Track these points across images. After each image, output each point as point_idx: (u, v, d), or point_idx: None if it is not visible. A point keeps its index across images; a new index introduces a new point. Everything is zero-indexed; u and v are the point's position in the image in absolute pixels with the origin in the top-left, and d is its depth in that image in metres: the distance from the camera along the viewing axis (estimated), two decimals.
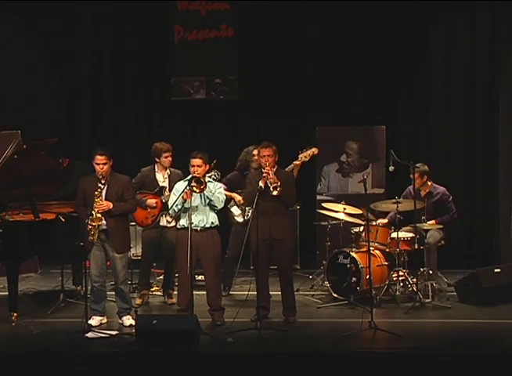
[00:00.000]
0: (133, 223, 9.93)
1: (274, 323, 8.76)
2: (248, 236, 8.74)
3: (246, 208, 9.77)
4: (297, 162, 9.52)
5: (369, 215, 9.49)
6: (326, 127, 11.95)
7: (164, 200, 9.58)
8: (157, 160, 9.75)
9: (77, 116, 12.51)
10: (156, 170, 9.78)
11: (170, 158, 9.70)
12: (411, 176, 9.96)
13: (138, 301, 9.70)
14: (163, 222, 9.71)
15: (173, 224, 9.59)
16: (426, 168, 10.23)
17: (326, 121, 11.99)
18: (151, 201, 9.63)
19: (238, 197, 9.78)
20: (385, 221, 10.17)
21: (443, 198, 10.27)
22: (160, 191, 9.69)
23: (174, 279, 9.83)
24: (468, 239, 12.00)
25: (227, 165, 10.09)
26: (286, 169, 9.33)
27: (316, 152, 9.75)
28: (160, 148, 9.72)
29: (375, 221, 10.09)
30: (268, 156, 8.83)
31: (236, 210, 9.98)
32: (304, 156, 9.67)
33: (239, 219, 9.94)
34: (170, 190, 9.52)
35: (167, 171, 9.76)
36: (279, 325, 8.71)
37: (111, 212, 8.58)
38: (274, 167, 8.84)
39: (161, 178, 9.77)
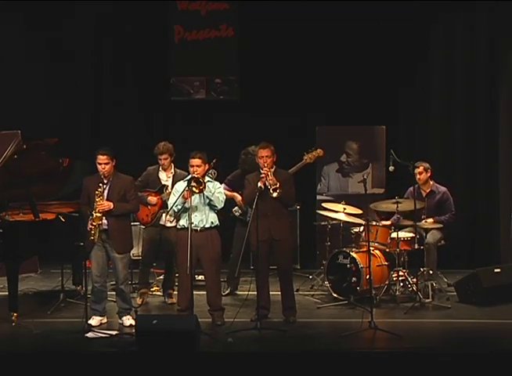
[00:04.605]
0: (135, 223, 9.95)
1: (274, 323, 8.76)
2: (248, 237, 8.75)
3: (249, 209, 9.78)
4: (302, 163, 9.60)
5: (373, 215, 9.52)
6: (326, 127, 11.94)
7: (163, 199, 9.58)
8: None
9: (77, 116, 12.51)
10: (160, 169, 9.78)
11: (165, 161, 9.66)
12: (414, 172, 9.95)
13: (139, 300, 9.71)
14: (163, 220, 9.72)
15: (173, 224, 9.60)
16: (427, 164, 10.26)
17: (326, 121, 11.99)
18: (151, 199, 9.62)
19: (238, 197, 9.77)
20: (388, 223, 10.16)
21: (444, 198, 10.26)
22: (161, 189, 9.69)
23: (174, 278, 9.83)
24: (468, 239, 11.99)
25: (227, 165, 10.09)
26: (295, 168, 9.41)
27: (321, 154, 9.82)
28: (156, 150, 9.71)
29: (378, 222, 10.08)
30: (267, 156, 8.81)
31: (236, 211, 9.98)
32: (309, 157, 9.70)
33: (238, 214, 9.93)
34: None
35: (172, 170, 9.75)
36: (279, 325, 8.71)
37: (112, 212, 8.57)
38: (272, 167, 8.83)
39: (164, 177, 9.76)
